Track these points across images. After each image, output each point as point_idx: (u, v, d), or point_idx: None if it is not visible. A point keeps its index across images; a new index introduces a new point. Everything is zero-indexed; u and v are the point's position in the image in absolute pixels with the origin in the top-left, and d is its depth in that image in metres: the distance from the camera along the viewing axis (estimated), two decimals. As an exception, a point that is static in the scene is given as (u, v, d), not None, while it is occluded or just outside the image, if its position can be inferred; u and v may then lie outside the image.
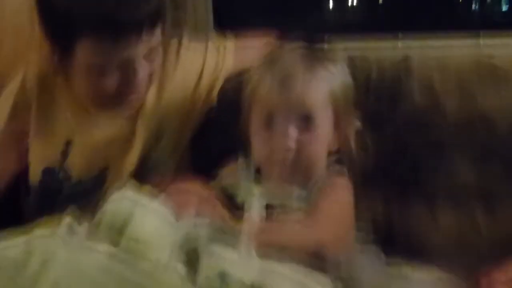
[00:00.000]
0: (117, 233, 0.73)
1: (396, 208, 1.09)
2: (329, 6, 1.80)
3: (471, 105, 1.05)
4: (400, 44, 1.36)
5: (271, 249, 0.80)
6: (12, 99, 1.12)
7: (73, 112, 1.12)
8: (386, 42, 1.37)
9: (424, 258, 0.98)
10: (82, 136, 1.13)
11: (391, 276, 0.77)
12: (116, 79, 1.00)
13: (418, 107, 1.09)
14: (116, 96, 1.02)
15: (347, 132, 1.01)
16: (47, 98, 1.12)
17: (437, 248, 1.03)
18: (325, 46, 1.06)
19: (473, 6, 1.61)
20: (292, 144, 0.93)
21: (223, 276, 0.69)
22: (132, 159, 1.15)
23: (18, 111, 1.12)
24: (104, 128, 1.14)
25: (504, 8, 1.45)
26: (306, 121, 0.94)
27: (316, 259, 0.83)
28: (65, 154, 1.13)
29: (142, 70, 1.00)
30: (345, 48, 1.23)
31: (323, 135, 0.96)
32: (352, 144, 1.03)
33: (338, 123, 0.98)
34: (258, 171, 1.03)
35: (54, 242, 0.73)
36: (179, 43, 1.19)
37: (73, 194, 1.11)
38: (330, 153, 0.99)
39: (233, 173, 1.05)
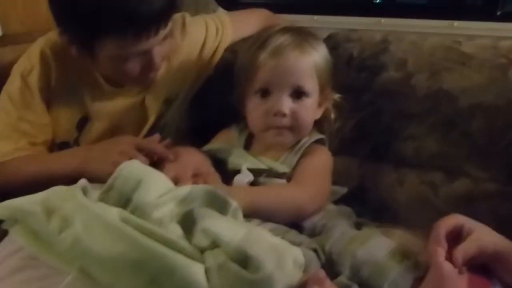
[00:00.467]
0: (126, 198, 0.76)
1: (369, 171, 1.17)
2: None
3: (438, 82, 1.11)
4: (381, 26, 1.42)
5: (257, 211, 0.88)
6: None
7: (87, 88, 1.16)
8: (368, 24, 1.43)
9: (391, 216, 1.09)
10: (96, 112, 1.18)
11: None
12: (138, 64, 1.06)
13: (392, 79, 1.16)
14: (138, 76, 1.09)
15: (328, 102, 1.09)
16: (63, 70, 1.14)
17: (401, 207, 1.12)
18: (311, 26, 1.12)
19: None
20: (287, 110, 1.01)
21: (214, 238, 0.71)
22: (145, 129, 1.22)
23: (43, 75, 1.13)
24: (117, 103, 1.19)
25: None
26: (297, 91, 1.02)
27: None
28: (80, 129, 1.17)
29: (159, 52, 1.07)
30: (329, 28, 1.32)
31: (312, 104, 1.04)
32: (332, 113, 1.11)
33: (321, 94, 1.06)
34: (249, 138, 1.11)
35: (72, 200, 0.75)
36: (183, 18, 1.25)
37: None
38: (314, 122, 1.07)
39: (226, 139, 1.13)
